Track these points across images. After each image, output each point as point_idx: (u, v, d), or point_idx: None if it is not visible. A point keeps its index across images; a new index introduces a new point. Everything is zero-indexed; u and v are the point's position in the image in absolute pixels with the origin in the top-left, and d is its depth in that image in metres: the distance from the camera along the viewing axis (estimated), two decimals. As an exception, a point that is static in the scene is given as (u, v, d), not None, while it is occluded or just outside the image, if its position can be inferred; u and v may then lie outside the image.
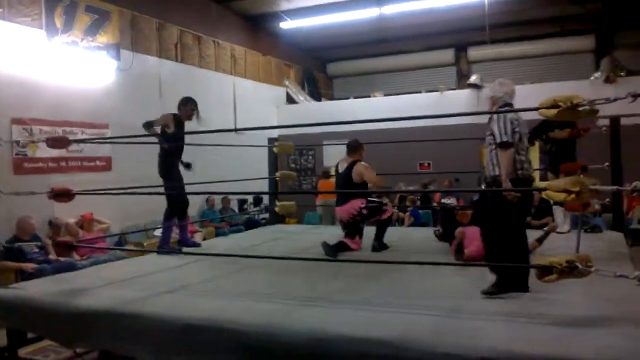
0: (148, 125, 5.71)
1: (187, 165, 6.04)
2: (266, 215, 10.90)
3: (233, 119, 12.75)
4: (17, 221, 7.01)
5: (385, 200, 6.55)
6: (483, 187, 4.15)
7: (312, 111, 14.65)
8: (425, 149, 11.99)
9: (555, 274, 2.96)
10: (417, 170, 13.07)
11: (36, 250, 6.90)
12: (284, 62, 15.82)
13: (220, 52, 12.92)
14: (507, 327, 3.01)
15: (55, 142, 5.17)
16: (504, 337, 2.80)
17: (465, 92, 13.33)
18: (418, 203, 11.81)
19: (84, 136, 8.82)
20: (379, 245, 5.68)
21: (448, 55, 16.48)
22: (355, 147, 5.91)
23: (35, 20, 8.31)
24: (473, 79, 13.58)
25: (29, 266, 6.55)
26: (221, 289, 4.20)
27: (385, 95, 15.03)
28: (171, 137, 5.70)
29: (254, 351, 3.10)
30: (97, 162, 9.25)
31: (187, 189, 6.23)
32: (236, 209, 12.44)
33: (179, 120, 5.78)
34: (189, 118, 5.89)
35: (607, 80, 11.85)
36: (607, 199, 6.00)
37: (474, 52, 16.17)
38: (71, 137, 7.48)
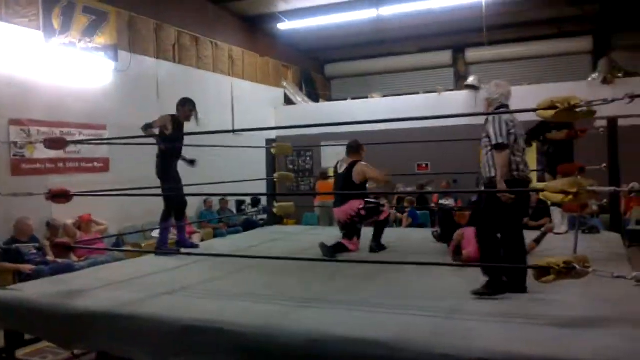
0: (147, 127, 5.70)
1: (192, 162, 6.05)
2: (264, 216, 10.88)
3: (231, 120, 12.74)
4: (14, 222, 7.00)
5: (383, 201, 6.55)
6: (482, 188, 4.16)
7: (310, 112, 14.67)
8: (423, 150, 12.01)
9: (552, 274, 2.96)
10: (415, 171, 13.08)
11: (34, 251, 6.89)
12: (281, 63, 15.82)
13: (218, 53, 12.92)
14: (505, 327, 3.01)
15: (53, 143, 5.17)
16: (502, 338, 2.80)
17: (463, 94, 13.34)
18: (416, 204, 11.82)
19: (82, 137, 8.80)
20: (377, 246, 5.68)
21: (446, 56, 16.49)
22: (355, 147, 5.91)
23: (33, 21, 8.30)
24: (471, 80, 13.59)
25: (27, 267, 6.53)
26: (219, 290, 4.20)
27: (383, 96, 15.03)
28: (169, 138, 5.69)
29: (252, 352, 3.10)
30: (95, 163, 9.24)
31: (185, 190, 6.22)
32: (234, 210, 12.43)
33: (177, 121, 5.77)
34: (188, 119, 5.88)
35: (605, 81, 11.88)
36: (605, 200, 6.00)
37: (471, 54, 16.19)
38: (69, 138, 7.47)
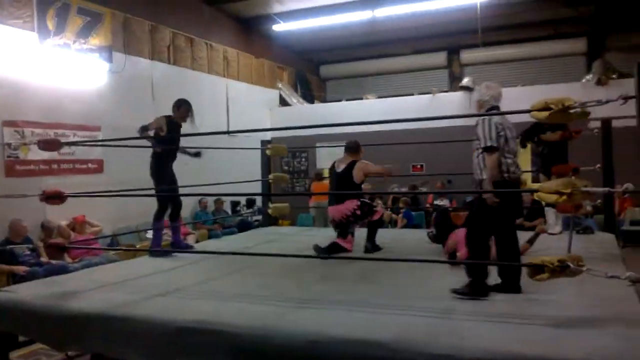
0: (143, 130, 5.68)
1: (197, 154, 6.04)
2: (259, 217, 10.88)
3: (226, 122, 12.74)
4: (9, 224, 6.99)
5: (378, 201, 6.55)
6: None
7: (305, 113, 14.68)
8: (418, 151, 12.03)
9: (546, 272, 2.97)
10: (410, 172, 13.10)
11: (28, 252, 6.87)
12: (276, 64, 15.82)
13: (213, 55, 12.91)
14: (501, 327, 3.02)
15: (47, 144, 5.14)
16: (498, 338, 2.81)
17: (458, 95, 13.39)
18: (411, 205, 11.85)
19: (76, 138, 8.77)
20: (372, 246, 5.67)
21: (440, 58, 16.54)
22: (355, 148, 5.90)
23: (27, 22, 8.27)
24: (465, 81, 13.63)
25: (21, 269, 6.52)
26: (214, 291, 4.18)
27: (378, 97, 15.06)
28: (164, 139, 5.68)
29: (248, 353, 3.09)
30: (89, 165, 9.21)
31: (180, 190, 6.21)
32: (229, 211, 12.41)
33: (172, 123, 5.76)
34: (183, 120, 5.87)
35: (599, 82, 11.94)
36: (599, 201, 6.04)
37: (466, 55, 16.24)
38: (63, 140, 7.43)
